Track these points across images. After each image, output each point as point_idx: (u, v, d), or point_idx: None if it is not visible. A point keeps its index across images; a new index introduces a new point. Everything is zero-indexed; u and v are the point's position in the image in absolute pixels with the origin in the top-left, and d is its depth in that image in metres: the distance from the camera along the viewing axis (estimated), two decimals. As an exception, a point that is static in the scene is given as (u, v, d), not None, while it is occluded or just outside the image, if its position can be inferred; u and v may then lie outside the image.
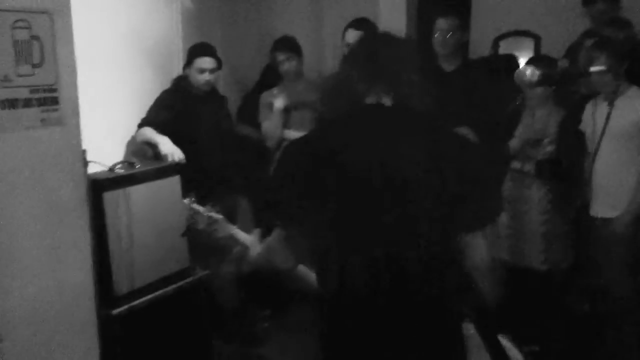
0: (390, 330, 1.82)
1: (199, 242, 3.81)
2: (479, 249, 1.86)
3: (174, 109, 3.88)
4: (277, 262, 2.00)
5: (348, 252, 1.81)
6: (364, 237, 1.81)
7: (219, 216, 2.39)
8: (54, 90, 2.57)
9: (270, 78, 4.53)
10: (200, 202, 2.50)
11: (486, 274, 1.88)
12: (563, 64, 3.70)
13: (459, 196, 1.79)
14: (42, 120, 2.54)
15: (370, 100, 1.90)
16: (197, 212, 2.39)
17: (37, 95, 2.50)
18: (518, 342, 3.82)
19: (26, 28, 2.47)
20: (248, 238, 2.38)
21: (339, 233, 1.82)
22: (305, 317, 4.47)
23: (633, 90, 3.30)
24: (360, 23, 3.99)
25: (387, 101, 1.90)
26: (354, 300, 1.82)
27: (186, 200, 2.44)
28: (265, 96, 4.29)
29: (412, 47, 2.00)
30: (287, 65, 4.23)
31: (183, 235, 3.21)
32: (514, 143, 3.75)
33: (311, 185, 1.80)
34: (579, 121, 3.53)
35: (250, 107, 4.50)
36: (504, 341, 2.02)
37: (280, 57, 4.23)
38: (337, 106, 1.96)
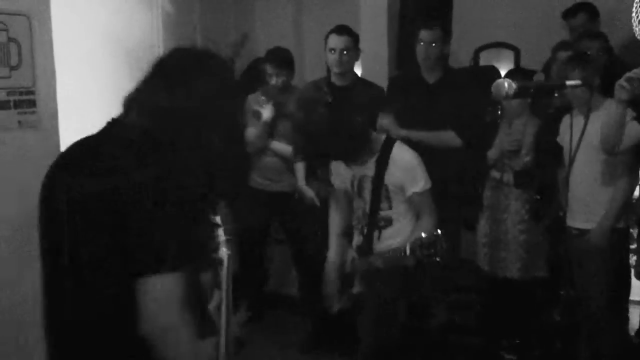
0: None
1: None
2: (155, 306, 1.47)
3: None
4: None
5: None
6: None
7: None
8: (32, 93, 2.56)
9: (252, 80, 4.53)
10: None
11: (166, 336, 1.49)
12: (539, 77, 3.74)
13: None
14: (19, 122, 2.53)
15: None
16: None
17: (14, 98, 2.49)
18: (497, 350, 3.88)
19: (3, 30, 2.45)
20: None
21: None
22: (283, 321, 4.49)
23: (608, 103, 3.34)
24: (342, 29, 4.01)
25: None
26: None
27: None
28: (251, 101, 4.27)
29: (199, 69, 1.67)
30: (275, 79, 4.18)
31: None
32: (491, 153, 3.80)
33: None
34: (555, 132, 3.57)
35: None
36: None
37: (270, 69, 4.18)
38: None
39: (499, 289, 3.89)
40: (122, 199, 1.45)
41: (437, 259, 2.68)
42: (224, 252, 2.01)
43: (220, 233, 2.09)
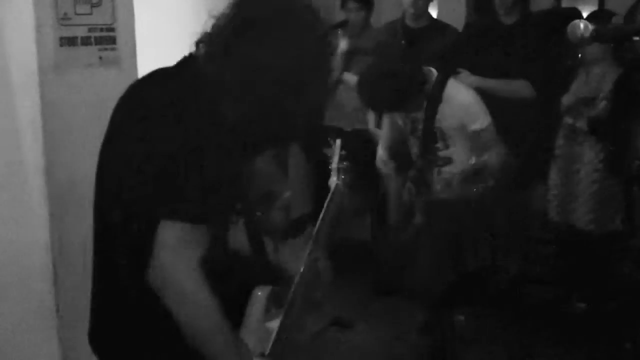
0: None
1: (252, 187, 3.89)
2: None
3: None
4: None
5: None
6: None
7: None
8: (112, 30, 2.64)
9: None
10: None
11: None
12: (617, 20, 3.57)
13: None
14: (100, 58, 2.63)
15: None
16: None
17: (95, 34, 2.59)
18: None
19: (84, -33, 2.53)
20: None
21: None
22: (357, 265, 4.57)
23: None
24: None
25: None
26: None
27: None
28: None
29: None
30: (355, 15, 4.24)
31: None
32: (566, 99, 3.68)
33: None
34: (637, 80, 3.44)
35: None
36: None
37: (351, 5, 4.25)
38: None
39: (570, 240, 3.84)
40: (150, 142, 1.42)
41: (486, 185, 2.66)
42: (332, 181, 1.98)
43: (334, 160, 2.01)
